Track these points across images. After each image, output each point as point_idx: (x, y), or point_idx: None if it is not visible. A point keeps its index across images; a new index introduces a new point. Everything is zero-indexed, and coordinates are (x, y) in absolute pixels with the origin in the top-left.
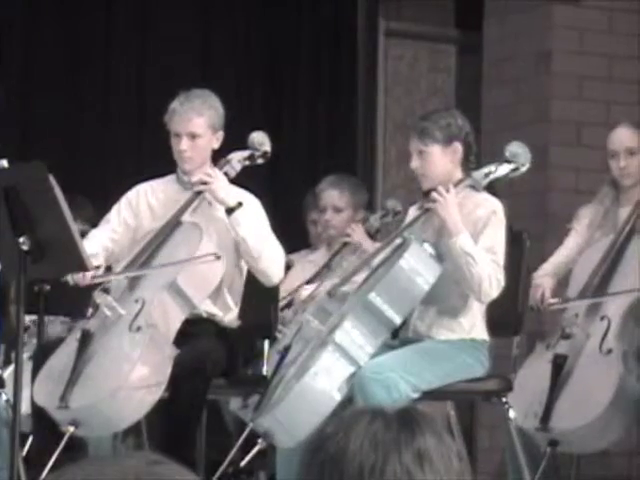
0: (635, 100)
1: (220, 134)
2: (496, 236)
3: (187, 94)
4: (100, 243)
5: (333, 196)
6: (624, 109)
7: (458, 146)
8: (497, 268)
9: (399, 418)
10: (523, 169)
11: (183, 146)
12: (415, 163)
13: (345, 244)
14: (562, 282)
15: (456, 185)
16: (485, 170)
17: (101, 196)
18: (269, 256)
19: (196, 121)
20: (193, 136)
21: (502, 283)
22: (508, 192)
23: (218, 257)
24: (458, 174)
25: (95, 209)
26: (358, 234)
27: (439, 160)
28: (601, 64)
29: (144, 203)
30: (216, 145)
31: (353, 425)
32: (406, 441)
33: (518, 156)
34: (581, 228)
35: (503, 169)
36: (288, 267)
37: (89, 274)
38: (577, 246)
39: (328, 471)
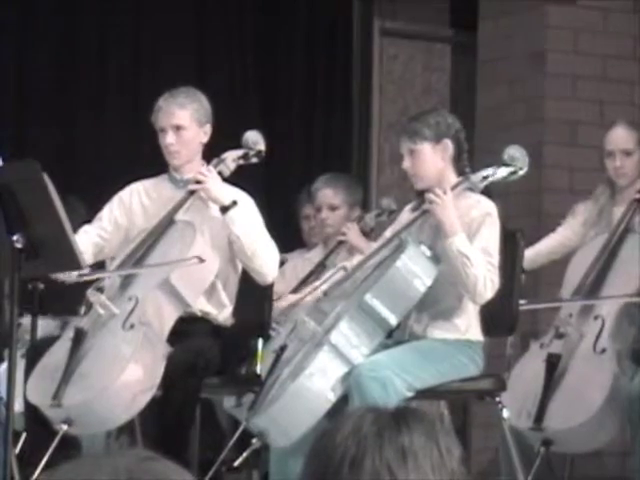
0: (629, 100)
1: (208, 127)
2: (491, 237)
3: (172, 91)
4: (89, 240)
5: (328, 194)
6: (618, 109)
7: (448, 143)
8: (492, 270)
9: (391, 415)
10: (521, 172)
11: (169, 139)
12: (407, 163)
13: (340, 242)
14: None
15: (453, 188)
16: (483, 173)
17: (96, 196)
18: (263, 254)
19: (179, 113)
20: (178, 129)
21: (497, 285)
22: (502, 192)
23: (202, 260)
24: (450, 173)
25: (89, 210)
26: (353, 233)
27: (430, 158)
28: (595, 64)
29: (137, 202)
30: (204, 139)
31: (346, 420)
32: (390, 437)
33: (516, 160)
34: (575, 222)
35: (501, 172)
36: (282, 264)
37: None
38: (563, 238)
39: (317, 462)
